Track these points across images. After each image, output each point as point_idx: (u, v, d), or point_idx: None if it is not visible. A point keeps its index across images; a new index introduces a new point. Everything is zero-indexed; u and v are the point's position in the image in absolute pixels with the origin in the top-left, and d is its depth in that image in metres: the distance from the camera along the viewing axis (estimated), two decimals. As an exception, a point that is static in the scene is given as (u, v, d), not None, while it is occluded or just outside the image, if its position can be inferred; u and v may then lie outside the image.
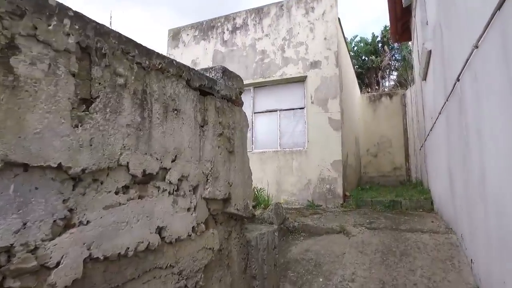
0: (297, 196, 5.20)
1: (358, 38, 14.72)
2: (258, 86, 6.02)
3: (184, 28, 6.71)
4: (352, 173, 6.61)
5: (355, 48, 14.42)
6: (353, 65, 8.86)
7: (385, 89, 12.77)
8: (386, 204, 4.63)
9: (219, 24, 6.39)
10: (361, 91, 10.22)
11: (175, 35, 6.84)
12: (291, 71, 5.70)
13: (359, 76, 11.61)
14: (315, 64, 5.52)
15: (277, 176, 5.32)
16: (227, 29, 6.30)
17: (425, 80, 4.55)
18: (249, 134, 5.20)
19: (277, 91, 5.94)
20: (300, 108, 5.67)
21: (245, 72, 5.96)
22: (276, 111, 5.79)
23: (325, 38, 5.48)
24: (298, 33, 5.69)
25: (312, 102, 5.46)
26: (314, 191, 5.12)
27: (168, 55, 6.88)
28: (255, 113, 5.93)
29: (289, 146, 5.55)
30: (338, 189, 5.04)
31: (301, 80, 5.70)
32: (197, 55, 6.56)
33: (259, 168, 5.37)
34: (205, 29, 6.49)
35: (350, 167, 6.23)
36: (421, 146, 5.84)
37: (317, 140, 5.25)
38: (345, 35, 6.58)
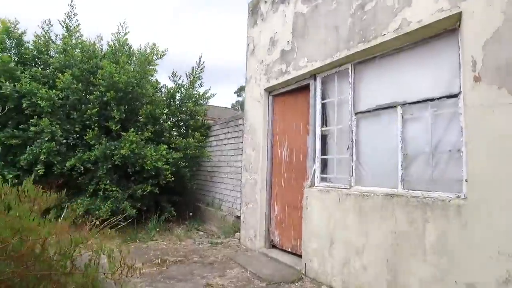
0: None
1: None
2: (360, 60, 3.56)
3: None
4: None
5: None
6: None
7: None
8: None
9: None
10: None
11: (254, 7, 5.45)
12: (421, 13, 2.84)
13: None
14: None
15: (389, 255, 2.96)
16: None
17: None
18: (346, 155, 3.17)
19: (395, 66, 3.25)
20: (448, 96, 2.77)
21: (335, 39, 3.71)
22: (395, 106, 3.18)
23: None
24: None
25: (477, 79, 2.48)
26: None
27: (247, 38, 5.62)
28: (357, 113, 3.59)
29: (422, 185, 2.91)
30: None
31: (449, 29, 2.75)
32: (275, 30, 4.88)
33: (355, 227, 3.26)
34: (291, -21, 4.60)
35: None
36: None
37: (495, 176, 2.35)
38: None
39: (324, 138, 4.14)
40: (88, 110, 5.70)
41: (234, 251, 5.15)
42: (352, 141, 3.59)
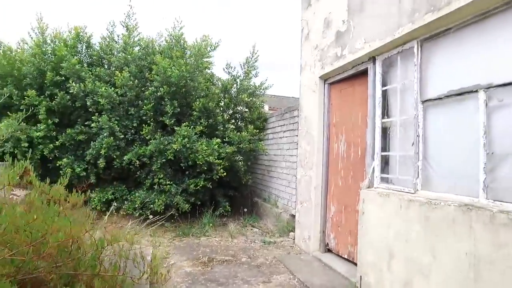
0: None
1: None
2: (428, 36, 2.90)
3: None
4: None
5: None
6: None
7: None
8: None
9: None
10: None
11: (306, -16, 4.91)
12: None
13: None
14: None
15: (465, 283, 2.33)
16: None
17: None
18: (410, 152, 2.72)
19: (477, 38, 2.54)
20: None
21: (397, 12, 3.11)
22: (476, 91, 2.50)
23: None
24: None
25: None
26: None
27: (301, 22, 5.15)
28: (424, 101, 2.95)
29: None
30: None
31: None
32: (329, 9, 4.33)
33: (420, 242, 2.69)
34: None
35: None
36: None
37: None
38: None
39: (385, 131, 3.55)
40: (144, 106, 5.90)
41: (286, 252, 4.86)
42: (418, 135, 2.98)
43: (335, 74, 4.46)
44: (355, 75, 4.11)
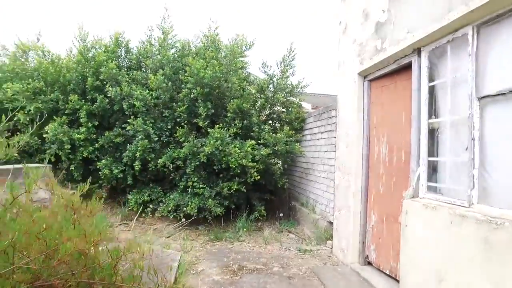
0: None
1: None
2: (487, 19, 2.43)
3: None
4: None
5: None
6: None
7: None
8: None
9: None
10: None
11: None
12: None
13: None
14: None
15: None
16: None
17: None
18: (464, 158, 2.45)
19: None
20: None
21: (446, -6, 2.66)
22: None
23: None
24: None
25: None
26: None
27: (339, 15, 4.78)
28: (481, 98, 2.48)
29: None
30: None
31: None
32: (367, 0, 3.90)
33: (479, 267, 2.26)
34: None
35: None
36: None
37: None
38: None
39: (432, 133, 3.10)
40: (178, 108, 5.89)
41: (322, 263, 4.53)
42: (473, 138, 2.52)
43: (375, 70, 4.04)
44: (398, 70, 3.67)
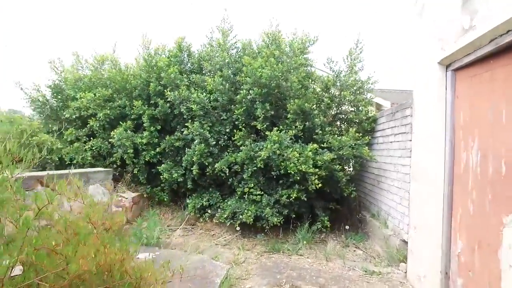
0: None
1: None
2: None
3: None
4: None
5: None
6: None
7: None
8: None
9: None
10: None
11: None
12: None
13: None
14: None
15: None
16: None
17: None
18: None
19: None
20: None
21: None
22: None
23: None
24: None
25: None
26: None
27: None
28: None
29: None
30: None
31: None
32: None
33: None
34: None
35: None
36: None
37: None
38: None
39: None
40: (236, 110, 5.67)
41: (392, 291, 3.80)
42: None
43: (462, 56, 3.19)
44: (495, 53, 2.81)
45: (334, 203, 5.97)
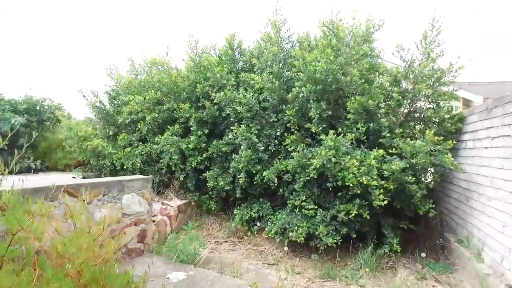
0: None
1: None
2: None
3: None
4: None
5: None
6: None
7: None
8: None
9: None
10: None
11: None
12: None
13: None
14: None
15: None
16: None
17: None
18: None
19: None
20: None
21: None
22: None
23: None
24: None
25: None
26: None
27: None
28: None
29: None
30: None
31: None
32: None
33: None
34: None
35: None
36: None
37: None
38: None
39: None
40: (287, 111, 4.97)
41: None
42: None
43: None
44: None
45: (407, 222, 4.86)
